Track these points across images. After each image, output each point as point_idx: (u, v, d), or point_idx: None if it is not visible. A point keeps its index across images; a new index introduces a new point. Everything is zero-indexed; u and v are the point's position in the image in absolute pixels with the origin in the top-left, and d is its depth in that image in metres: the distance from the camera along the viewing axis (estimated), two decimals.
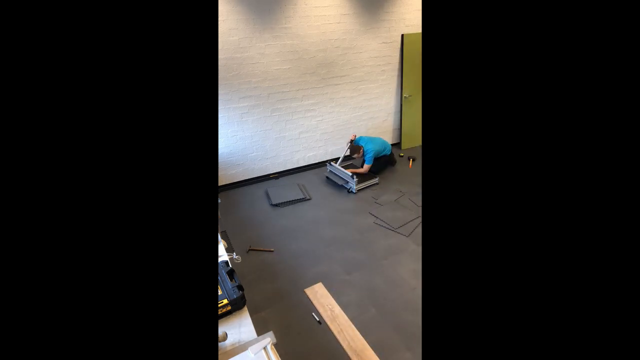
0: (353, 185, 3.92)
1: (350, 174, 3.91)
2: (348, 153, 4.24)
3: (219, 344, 1.29)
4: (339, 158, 4.39)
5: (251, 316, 1.46)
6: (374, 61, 4.52)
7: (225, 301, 1.42)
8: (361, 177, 4.05)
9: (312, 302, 2.47)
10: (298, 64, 4.04)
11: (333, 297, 2.50)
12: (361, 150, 4.15)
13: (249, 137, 4.10)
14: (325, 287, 2.60)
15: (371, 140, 4.26)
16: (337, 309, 2.39)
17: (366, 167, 4.17)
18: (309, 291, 2.58)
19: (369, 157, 4.13)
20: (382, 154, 4.30)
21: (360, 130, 4.85)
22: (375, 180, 4.12)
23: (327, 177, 4.27)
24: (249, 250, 3.07)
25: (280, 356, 1.17)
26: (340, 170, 4.12)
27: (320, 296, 2.52)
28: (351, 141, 4.31)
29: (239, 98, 3.86)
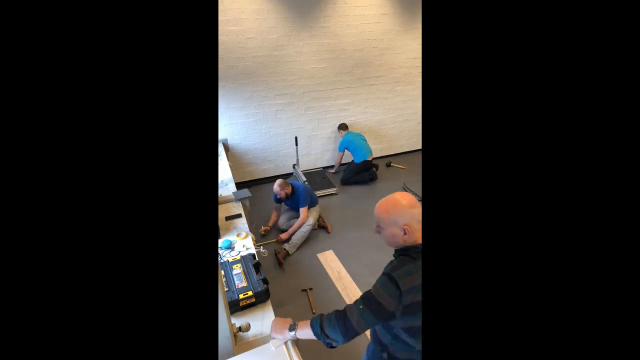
0: None
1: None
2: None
3: (241, 333, 1.32)
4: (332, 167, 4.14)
5: (274, 310, 1.48)
6: (413, 62, 4.43)
7: (250, 293, 1.44)
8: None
9: (322, 265, 2.72)
10: (334, 64, 4.04)
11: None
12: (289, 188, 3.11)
13: (282, 134, 4.16)
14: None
15: (355, 137, 4.04)
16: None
17: (302, 210, 3.08)
18: (320, 256, 2.92)
19: (302, 198, 3.08)
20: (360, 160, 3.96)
21: (394, 132, 4.78)
22: (334, 190, 3.94)
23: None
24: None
25: (299, 353, 1.18)
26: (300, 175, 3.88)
27: (330, 260, 2.89)
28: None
29: (274, 95, 3.92)
